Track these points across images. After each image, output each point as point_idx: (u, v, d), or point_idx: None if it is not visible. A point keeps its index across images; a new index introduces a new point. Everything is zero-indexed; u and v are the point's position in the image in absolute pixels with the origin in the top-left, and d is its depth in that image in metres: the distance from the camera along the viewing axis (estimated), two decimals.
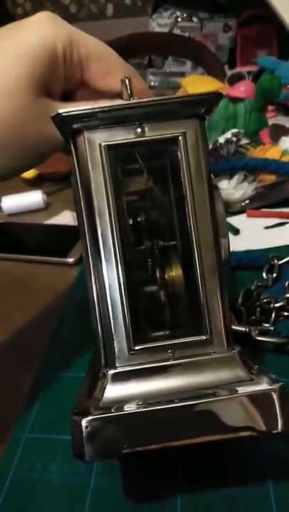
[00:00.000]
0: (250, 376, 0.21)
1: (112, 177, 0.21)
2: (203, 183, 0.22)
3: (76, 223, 0.52)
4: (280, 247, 0.44)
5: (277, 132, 0.55)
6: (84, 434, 0.19)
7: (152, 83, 1.11)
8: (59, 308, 0.39)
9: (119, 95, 0.24)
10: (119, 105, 0.21)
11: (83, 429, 0.19)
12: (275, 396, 0.20)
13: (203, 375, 0.21)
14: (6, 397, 0.31)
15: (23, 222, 0.54)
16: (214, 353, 0.21)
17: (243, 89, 0.70)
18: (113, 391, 0.20)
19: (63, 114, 0.20)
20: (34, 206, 0.56)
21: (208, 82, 0.82)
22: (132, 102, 0.22)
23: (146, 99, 0.21)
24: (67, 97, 0.26)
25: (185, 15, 1.21)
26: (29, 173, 0.62)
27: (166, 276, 0.23)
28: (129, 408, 0.19)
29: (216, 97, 0.21)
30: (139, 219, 0.24)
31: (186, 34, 1.17)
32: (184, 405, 0.19)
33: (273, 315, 0.34)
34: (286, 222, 0.48)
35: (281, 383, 0.20)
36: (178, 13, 1.21)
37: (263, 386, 0.20)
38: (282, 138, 0.50)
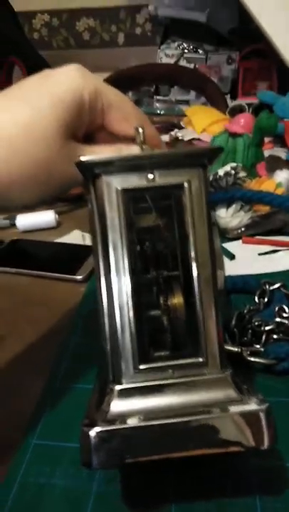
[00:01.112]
0: (240, 396, 0.23)
1: (126, 215, 0.24)
2: (204, 223, 0.24)
3: (85, 242, 0.54)
4: (272, 273, 0.46)
5: (273, 164, 0.58)
6: (92, 443, 0.20)
7: (158, 111, 1.15)
8: (67, 323, 0.41)
9: (133, 139, 0.27)
10: (134, 156, 0.23)
11: (92, 440, 0.20)
12: (262, 416, 0.21)
13: (199, 394, 0.23)
14: (16, 405, 0.33)
15: (36, 240, 0.56)
16: (209, 373, 0.23)
17: (242, 121, 0.73)
18: (119, 405, 0.22)
19: (85, 162, 0.23)
20: (46, 225, 0.59)
21: (210, 113, 0.86)
22: (145, 153, 0.24)
23: (157, 152, 0.23)
24: (89, 137, 0.29)
25: (191, 47, 1.25)
26: None
27: (168, 303, 0.25)
28: (132, 422, 0.21)
29: (216, 150, 0.24)
30: (147, 251, 0.26)
31: (192, 65, 1.21)
32: (180, 421, 0.21)
33: (264, 337, 0.36)
34: (278, 250, 0.50)
35: (267, 404, 0.22)
36: (185, 45, 1.26)
37: (252, 406, 0.22)
38: (276, 172, 0.53)
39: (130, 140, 0.28)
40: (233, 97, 1.15)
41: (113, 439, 0.21)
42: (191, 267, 0.23)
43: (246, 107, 0.87)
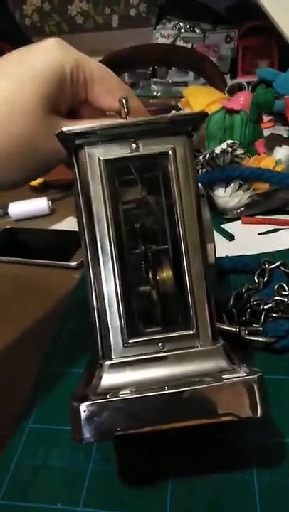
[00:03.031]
0: (232, 366, 0.23)
1: (110, 187, 0.23)
2: (191, 192, 0.24)
3: None
4: (272, 252, 0.46)
5: (273, 142, 0.58)
6: (82, 417, 0.21)
7: (155, 93, 1.14)
8: (62, 308, 0.41)
9: (118, 113, 0.27)
10: (115, 124, 0.23)
11: (81, 414, 0.21)
12: (254, 384, 0.22)
13: (190, 366, 0.23)
14: (11, 390, 0.33)
15: (29, 228, 0.56)
16: (200, 346, 0.23)
17: (242, 99, 0.73)
18: (109, 380, 0.22)
19: (66, 132, 0.23)
20: (40, 212, 0.59)
21: (208, 93, 0.85)
22: (127, 121, 0.24)
23: (139, 119, 0.23)
24: (73, 113, 0.29)
25: (188, 26, 1.24)
26: (35, 181, 0.65)
27: (158, 277, 0.26)
28: (123, 395, 0.21)
29: (201, 116, 0.23)
30: (134, 225, 0.26)
31: (189, 45, 1.20)
32: (171, 392, 0.21)
33: (263, 316, 0.36)
34: (279, 229, 0.50)
35: (260, 373, 0.22)
36: (181, 25, 1.24)
37: (243, 375, 0.22)
38: (276, 148, 0.52)
39: (115, 115, 0.28)
40: (233, 77, 1.14)
41: (103, 412, 0.21)
42: (179, 236, 0.23)
43: (245, 85, 0.87)
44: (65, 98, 0.27)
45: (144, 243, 0.26)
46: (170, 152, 0.24)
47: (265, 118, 0.85)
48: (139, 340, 0.23)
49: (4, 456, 0.28)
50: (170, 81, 1.19)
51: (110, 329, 0.23)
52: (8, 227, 0.57)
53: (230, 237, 0.49)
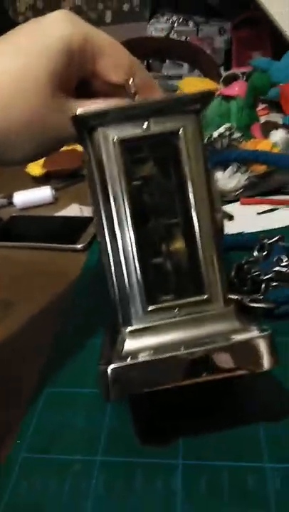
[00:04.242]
0: (244, 326, 0.25)
1: (125, 166, 0.25)
2: (202, 168, 0.26)
3: (83, 215, 0.57)
4: (271, 229, 0.49)
5: (269, 127, 0.60)
6: (109, 379, 0.23)
7: None
8: (71, 287, 0.44)
9: (127, 87, 0.28)
10: (128, 105, 0.25)
11: (109, 375, 0.23)
12: (264, 341, 0.24)
13: (205, 328, 0.26)
14: (26, 361, 0.36)
15: (34, 215, 0.59)
16: (213, 309, 0.26)
17: (237, 88, 0.76)
18: (131, 344, 0.25)
19: (81, 114, 0.24)
20: (44, 200, 0.61)
21: (203, 84, 0.88)
22: (139, 102, 0.26)
23: (151, 100, 0.25)
24: (82, 87, 0.30)
25: (181, 19, 1.27)
26: (37, 171, 0.68)
27: (170, 248, 0.27)
28: (144, 357, 0.24)
29: (208, 94, 0.26)
30: (147, 201, 0.28)
31: (183, 37, 1.23)
32: (188, 352, 0.24)
33: (263, 286, 0.39)
34: (277, 208, 0.52)
35: (270, 331, 0.25)
36: (174, 18, 1.27)
37: (255, 333, 0.25)
38: (272, 131, 0.55)
39: (124, 90, 0.29)
40: (228, 68, 1.16)
41: (128, 372, 0.24)
42: (191, 209, 0.26)
43: (240, 76, 0.90)
44: (73, 73, 0.28)
45: (157, 218, 0.28)
46: (180, 130, 0.25)
47: (260, 106, 0.88)
48: (157, 307, 0.25)
49: (24, 420, 0.30)
50: (165, 74, 1.22)
51: (130, 299, 0.25)
52: (14, 214, 0.59)
53: (230, 218, 0.52)
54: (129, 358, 0.24)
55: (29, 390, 0.33)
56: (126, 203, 0.26)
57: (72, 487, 0.26)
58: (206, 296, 0.26)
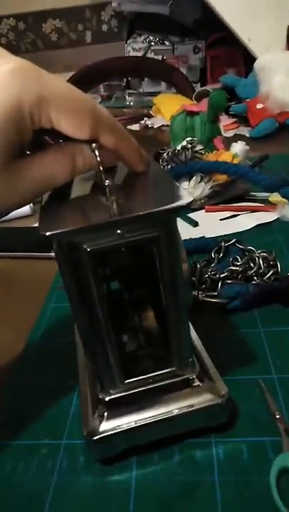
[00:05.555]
0: (205, 388, 0.30)
1: (95, 274, 0.25)
2: (176, 271, 0.26)
3: None
4: (231, 234, 0.53)
5: (232, 140, 0.66)
6: (96, 446, 0.29)
7: (128, 103, 1.23)
8: (45, 294, 0.48)
9: (89, 143, 0.25)
10: (101, 224, 0.23)
11: (95, 444, 0.29)
12: (222, 404, 0.30)
13: (174, 394, 0.30)
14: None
15: (11, 226, 0.63)
16: (181, 376, 0.30)
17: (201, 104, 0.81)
18: (110, 414, 0.29)
19: (51, 235, 0.23)
20: (22, 213, 0.65)
21: (176, 100, 0.94)
22: (113, 219, 0.23)
23: (125, 217, 0.23)
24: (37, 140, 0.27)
25: (158, 39, 1.34)
26: None
27: (142, 327, 0.31)
28: (122, 427, 0.29)
29: (179, 207, 0.24)
30: (121, 295, 0.32)
31: (160, 56, 1.30)
32: (159, 419, 0.29)
33: (219, 284, 0.43)
34: (238, 214, 0.57)
35: (227, 396, 0.30)
36: (151, 38, 1.34)
37: (215, 399, 0.30)
38: (232, 144, 0.60)
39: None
40: (203, 85, 1.23)
41: (111, 438, 0.29)
42: (162, 300, 0.27)
43: (211, 92, 0.95)
44: (26, 136, 0.24)
45: (133, 308, 0.31)
46: (155, 237, 0.24)
47: (230, 120, 0.94)
48: (133, 380, 0.29)
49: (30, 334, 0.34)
50: (143, 91, 1.29)
51: (108, 373, 0.28)
52: None
53: (195, 224, 0.56)
54: (110, 427, 0.29)
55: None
56: (101, 306, 0.26)
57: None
58: (174, 368, 0.30)
